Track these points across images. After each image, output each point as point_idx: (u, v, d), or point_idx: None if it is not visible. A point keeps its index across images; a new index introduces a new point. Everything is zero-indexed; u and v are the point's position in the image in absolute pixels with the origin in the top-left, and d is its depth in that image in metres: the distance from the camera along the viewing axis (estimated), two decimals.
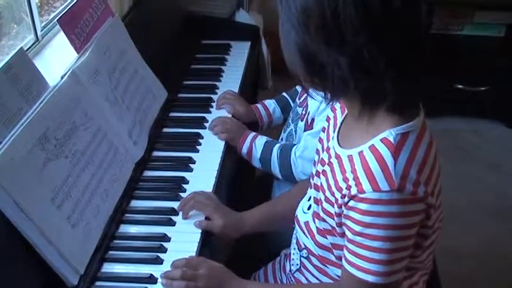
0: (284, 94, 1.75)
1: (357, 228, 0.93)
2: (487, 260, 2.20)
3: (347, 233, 0.96)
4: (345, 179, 0.95)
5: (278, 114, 1.73)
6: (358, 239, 0.94)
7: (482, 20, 2.95)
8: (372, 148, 0.93)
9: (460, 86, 2.88)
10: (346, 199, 0.94)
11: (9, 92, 1.13)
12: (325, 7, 0.85)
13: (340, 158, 1.00)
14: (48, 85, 1.25)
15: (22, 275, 1.06)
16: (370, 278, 0.94)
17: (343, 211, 0.96)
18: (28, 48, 1.54)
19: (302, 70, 0.92)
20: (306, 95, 1.53)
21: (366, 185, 0.90)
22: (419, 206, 0.92)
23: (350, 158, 0.97)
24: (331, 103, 1.00)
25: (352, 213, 0.93)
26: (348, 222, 0.95)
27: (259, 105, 1.74)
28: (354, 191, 0.92)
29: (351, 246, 0.96)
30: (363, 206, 0.91)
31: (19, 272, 1.05)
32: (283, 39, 0.93)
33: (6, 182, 1.02)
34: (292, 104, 1.71)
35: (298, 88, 1.71)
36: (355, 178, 0.93)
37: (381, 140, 0.93)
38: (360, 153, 0.95)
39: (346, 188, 0.94)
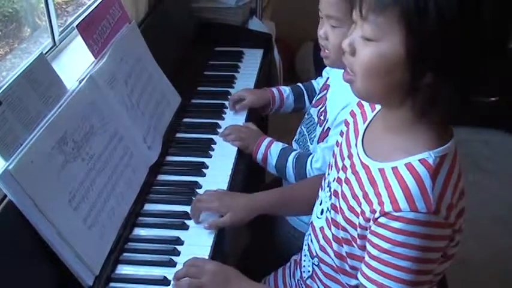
0: (299, 84, 1.77)
1: (386, 245, 0.91)
2: (496, 271, 2.20)
3: (371, 249, 0.93)
4: (377, 194, 0.93)
5: (290, 101, 1.74)
6: (384, 256, 0.91)
7: None
8: (409, 166, 0.91)
9: None
10: (376, 214, 0.91)
11: (30, 96, 1.16)
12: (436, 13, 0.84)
13: (369, 170, 0.98)
14: (67, 89, 1.28)
15: (39, 275, 1.08)
16: None
17: (370, 226, 0.94)
18: (46, 53, 1.56)
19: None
20: (323, 93, 1.53)
21: (402, 204, 0.89)
22: (448, 231, 0.92)
23: (382, 172, 0.94)
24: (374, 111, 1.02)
25: (381, 230, 0.91)
26: (374, 239, 0.92)
27: (274, 89, 1.75)
28: (387, 208, 0.90)
29: (374, 263, 0.93)
30: (396, 224, 0.89)
31: (36, 271, 1.07)
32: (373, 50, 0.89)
33: (26, 183, 1.04)
34: (306, 95, 1.73)
35: (315, 84, 1.73)
36: (390, 195, 0.90)
37: (420, 161, 0.91)
38: (394, 169, 0.92)
39: (378, 204, 0.92)
